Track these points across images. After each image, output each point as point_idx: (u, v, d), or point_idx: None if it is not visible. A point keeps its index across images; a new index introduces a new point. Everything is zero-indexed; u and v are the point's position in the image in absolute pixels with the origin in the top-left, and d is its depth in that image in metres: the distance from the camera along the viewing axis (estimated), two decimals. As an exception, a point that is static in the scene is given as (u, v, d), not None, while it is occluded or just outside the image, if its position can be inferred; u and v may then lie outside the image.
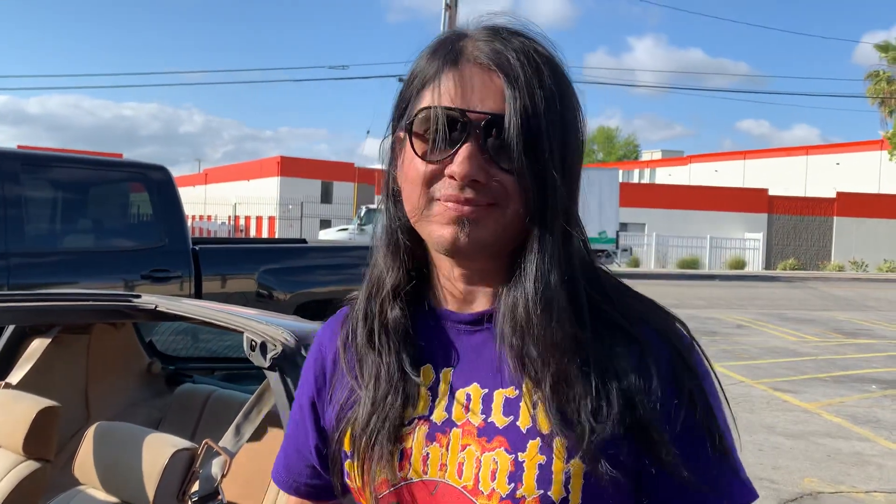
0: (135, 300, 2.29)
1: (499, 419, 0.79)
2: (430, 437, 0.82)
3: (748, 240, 31.14)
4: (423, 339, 0.86)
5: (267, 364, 1.72)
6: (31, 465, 2.11)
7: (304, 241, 7.64)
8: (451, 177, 0.77)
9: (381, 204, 0.90)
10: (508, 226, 0.78)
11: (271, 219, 40.70)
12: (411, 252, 0.87)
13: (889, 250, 32.15)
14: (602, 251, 21.84)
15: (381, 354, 0.85)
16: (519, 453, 0.77)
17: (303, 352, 1.74)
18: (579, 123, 0.82)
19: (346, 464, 0.87)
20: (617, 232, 23.94)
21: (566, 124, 0.79)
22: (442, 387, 0.83)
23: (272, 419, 1.95)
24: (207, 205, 45.57)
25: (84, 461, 1.91)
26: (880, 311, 15.58)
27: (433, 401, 0.83)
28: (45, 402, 2.16)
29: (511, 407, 0.79)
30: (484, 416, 0.80)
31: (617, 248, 24.05)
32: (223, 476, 1.79)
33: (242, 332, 1.81)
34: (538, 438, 0.77)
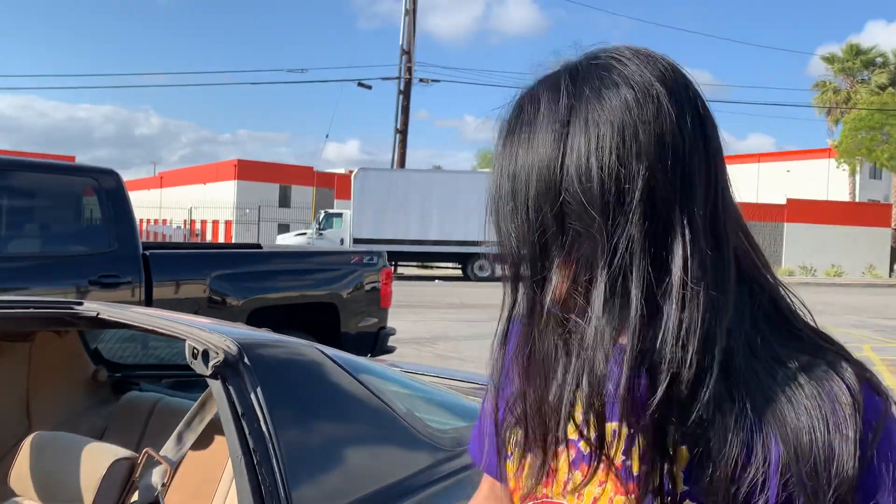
0: (76, 307, 2.25)
1: (635, 465, 0.75)
2: (575, 464, 0.81)
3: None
4: None
5: (209, 372, 1.70)
6: (-34, 477, 2.06)
7: (258, 245, 7.58)
8: None
9: None
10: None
11: (228, 223, 40.24)
12: None
13: (837, 255, 33.04)
14: None
15: (549, 363, 0.82)
16: None
17: (245, 360, 1.73)
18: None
19: (507, 463, 0.89)
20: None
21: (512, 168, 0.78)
22: (591, 416, 0.79)
23: (216, 427, 1.93)
24: (163, 209, 44.92)
25: (20, 472, 1.88)
26: (832, 315, 15.94)
27: (586, 427, 0.79)
28: (-18, 412, 2.11)
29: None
30: (624, 457, 0.77)
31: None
32: (164, 485, 1.77)
33: (184, 340, 1.80)
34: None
